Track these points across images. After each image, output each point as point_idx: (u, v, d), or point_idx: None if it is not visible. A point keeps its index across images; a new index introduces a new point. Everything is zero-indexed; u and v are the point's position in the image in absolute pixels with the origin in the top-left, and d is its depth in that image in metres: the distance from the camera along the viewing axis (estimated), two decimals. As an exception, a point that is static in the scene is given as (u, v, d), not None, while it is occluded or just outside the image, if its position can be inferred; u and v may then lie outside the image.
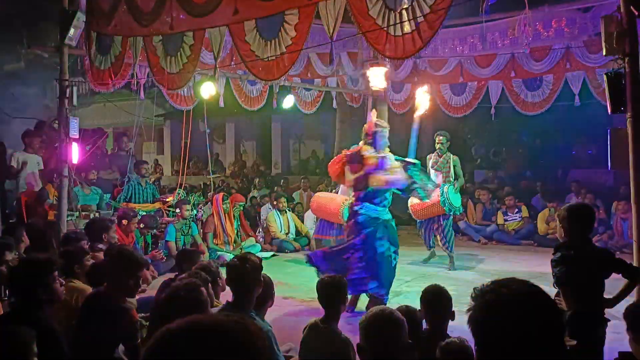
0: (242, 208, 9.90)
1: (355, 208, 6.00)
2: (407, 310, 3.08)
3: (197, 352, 1.02)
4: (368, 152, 5.98)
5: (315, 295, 3.72)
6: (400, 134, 7.57)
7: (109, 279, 3.68)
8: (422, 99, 6.45)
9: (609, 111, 3.95)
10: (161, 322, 1.82)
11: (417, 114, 6.42)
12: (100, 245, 5.79)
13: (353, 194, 6.19)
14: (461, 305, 5.25)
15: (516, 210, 11.04)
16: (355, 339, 2.79)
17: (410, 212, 8.57)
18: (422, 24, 4.54)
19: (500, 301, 1.44)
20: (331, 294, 3.56)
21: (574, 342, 3.19)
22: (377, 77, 7.58)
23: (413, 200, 8.15)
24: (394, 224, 6.24)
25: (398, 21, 4.64)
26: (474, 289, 1.52)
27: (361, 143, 6.13)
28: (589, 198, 10.76)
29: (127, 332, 3.51)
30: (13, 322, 2.97)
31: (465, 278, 7.69)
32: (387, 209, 6.13)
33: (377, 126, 6.07)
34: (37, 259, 3.56)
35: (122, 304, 3.56)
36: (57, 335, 3.25)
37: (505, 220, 11.05)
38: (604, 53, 3.96)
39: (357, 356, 2.73)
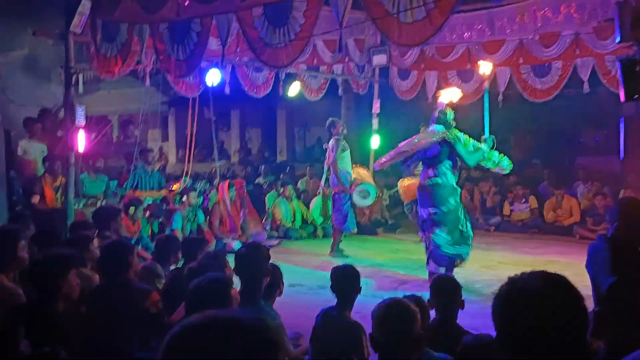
0: (248, 189, 9.97)
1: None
2: (415, 300, 3.07)
3: (214, 347, 1.02)
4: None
5: (322, 282, 3.73)
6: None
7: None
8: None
9: (622, 98, 3.89)
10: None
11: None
12: (108, 233, 5.79)
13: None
14: (470, 294, 5.27)
15: (523, 200, 10.91)
16: (367, 327, 2.79)
17: (400, 192, 8.63)
18: (433, 10, 4.48)
19: (515, 293, 1.44)
20: (345, 282, 3.56)
21: (601, 343, 3.08)
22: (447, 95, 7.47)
23: (404, 182, 8.22)
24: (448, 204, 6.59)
25: (408, 7, 4.59)
26: (509, 277, 1.51)
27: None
28: (596, 185, 10.71)
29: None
30: (25, 315, 2.96)
31: (472, 267, 7.67)
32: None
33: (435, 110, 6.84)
34: (60, 253, 3.50)
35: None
36: (66, 334, 3.24)
37: (512, 210, 10.95)
38: (617, 40, 3.90)
39: (369, 344, 2.73)
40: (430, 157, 6.66)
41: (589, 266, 3.39)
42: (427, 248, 6.71)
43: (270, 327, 1.09)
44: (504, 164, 6.99)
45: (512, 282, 1.46)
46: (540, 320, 1.36)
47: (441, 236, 6.49)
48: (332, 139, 8.56)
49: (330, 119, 8.81)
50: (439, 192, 6.57)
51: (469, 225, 6.73)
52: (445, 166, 6.63)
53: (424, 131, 6.94)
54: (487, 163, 6.91)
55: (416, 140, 6.70)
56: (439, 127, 6.69)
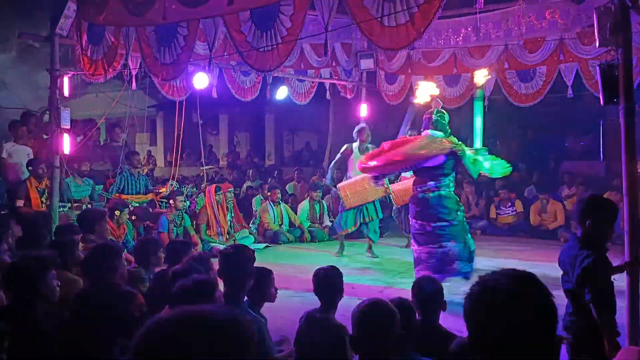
0: (233, 194, 9.96)
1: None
2: (400, 302, 3.09)
3: (185, 341, 1.03)
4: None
5: (309, 286, 3.73)
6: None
7: None
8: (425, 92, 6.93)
9: (602, 102, 3.95)
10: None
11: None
12: (92, 237, 5.77)
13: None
14: (453, 296, 5.30)
15: (509, 203, 11.04)
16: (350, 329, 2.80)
17: (392, 197, 8.65)
18: (416, 14, 4.53)
19: (485, 293, 1.45)
20: (327, 285, 3.57)
21: (569, 338, 3.17)
22: (424, 92, 7.15)
23: (396, 187, 8.24)
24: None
25: (392, 12, 4.62)
26: (479, 277, 1.53)
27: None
28: (580, 189, 10.82)
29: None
30: (4, 318, 2.94)
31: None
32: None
33: (429, 112, 6.53)
34: (37, 255, 3.47)
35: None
36: (47, 335, 3.21)
37: (498, 214, 11.06)
38: (597, 44, 3.95)
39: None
40: (431, 168, 6.16)
41: (561, 263, 3.53)
42: (424, 261, 6.26)
43: (241, 322, 1.10)
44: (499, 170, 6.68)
45: (483, 281, 1.48)
46: (510, 318, 1.38)
47: (458, 249, 6.14)
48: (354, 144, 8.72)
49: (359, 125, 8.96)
50: (445, 204, 6.15)
51: (470, 239, 6.40)
52: (450, 178, 6.25)
53: (424, 139, 6.34)
54: (488, 171, 6.59)
55: (419, 150, 6.14)
56: (439, 134, 6.27)
